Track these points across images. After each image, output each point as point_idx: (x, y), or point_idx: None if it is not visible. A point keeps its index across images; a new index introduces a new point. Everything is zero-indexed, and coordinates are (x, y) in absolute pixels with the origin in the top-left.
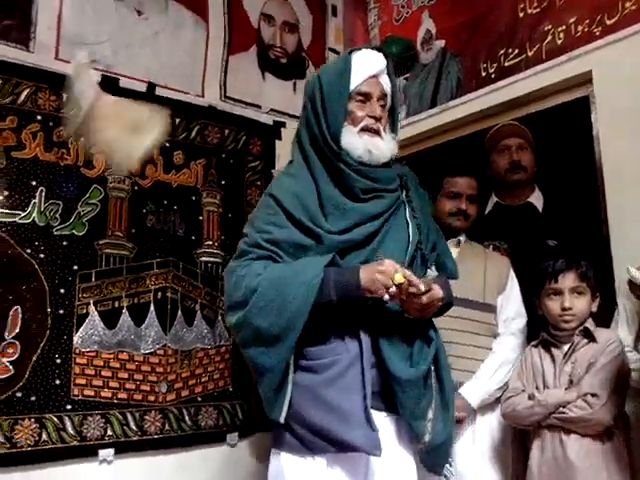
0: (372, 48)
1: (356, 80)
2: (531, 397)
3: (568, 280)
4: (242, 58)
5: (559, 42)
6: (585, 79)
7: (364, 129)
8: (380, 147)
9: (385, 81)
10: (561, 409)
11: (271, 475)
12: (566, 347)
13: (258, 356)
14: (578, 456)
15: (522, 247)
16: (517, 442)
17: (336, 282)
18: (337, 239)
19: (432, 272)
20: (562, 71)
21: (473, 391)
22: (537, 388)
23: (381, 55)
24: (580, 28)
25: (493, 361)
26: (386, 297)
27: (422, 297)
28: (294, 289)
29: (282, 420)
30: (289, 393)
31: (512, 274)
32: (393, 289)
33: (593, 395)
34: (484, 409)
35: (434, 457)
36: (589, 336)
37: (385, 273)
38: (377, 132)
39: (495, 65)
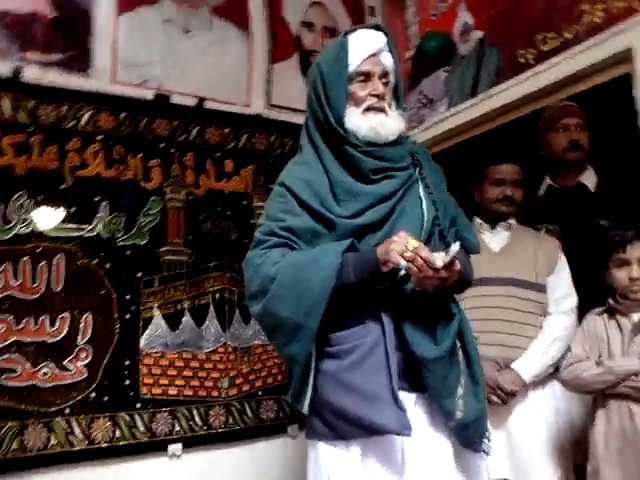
0: (369, 27)
1: (355, 61)
2: (599, 364)
3: (636, 250)
4: (285, 66)
5: (597, 21)
6: (626, 56)
7: (368, 109)
8: (386, 124)
9: (386, 59)
10: (634, 378)
11: (310, 467)
12: (636, 317)
13: (283, 346)
14: None
15: (574, 228)
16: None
17: (355, 264)
18: (350, 223)
19: (455, 247)
20: (602, 50)
21: (526, 366)
22: (600, 357)
23: (379, 33)
24: (618, 4)
25: (545, 338)
26: (403, 263)
27: (441, 271)
28: (314, 274)
29: (305, 410)
30: (311, 382)
31: (562, 256)
32: (409, 253)
33: None
34: (535, 385)
35: (469, 433)
36: None
37: (398, 241)
38: (381, 110)
39: (534, 51)
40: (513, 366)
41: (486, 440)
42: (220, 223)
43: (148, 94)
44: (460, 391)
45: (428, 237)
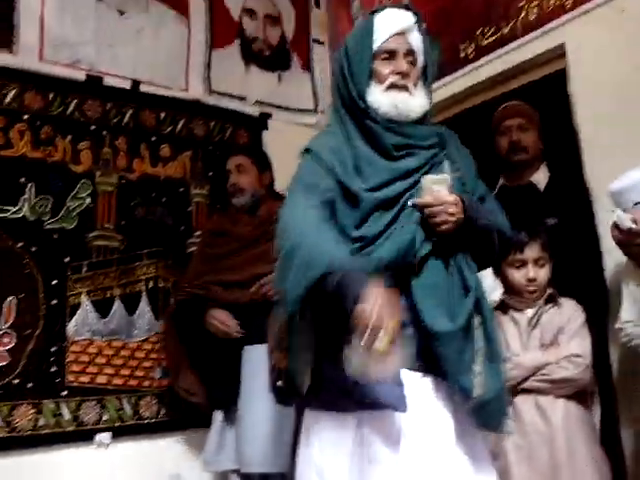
0: (397, 6)
1: (380, 38)
2: (505, 360)
3: (533, 251)
4: (225, 52)
5: (532, 18)
6: (560, 52)
7: (391, 86)
8: (408, 102)
9: (414, 38)
10: (543, 371)
11: (303, 432)
12: (530, 312)
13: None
14: (563, 419)
15: (521, 228)
16: None
17: (344, 278)
18: (372, 196)
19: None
20: (537, 46)
21: None
22: None
23: (408, 12)
24: (552, 2)
25: None
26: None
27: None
28: (307, 268)
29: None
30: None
31: None
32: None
33: (577, 356)
34: None
35: (489, 412)
36: (553, 301)
37: (376, 320)
38: (404, 88)
39: (473, 45)
40: None
41: (507, 420)
42: (154, 210)
43: (79, 75)
44: (478, 368)
45: None
